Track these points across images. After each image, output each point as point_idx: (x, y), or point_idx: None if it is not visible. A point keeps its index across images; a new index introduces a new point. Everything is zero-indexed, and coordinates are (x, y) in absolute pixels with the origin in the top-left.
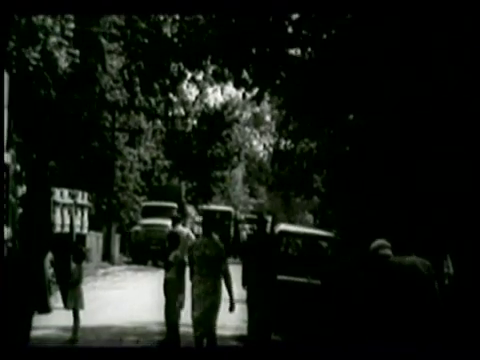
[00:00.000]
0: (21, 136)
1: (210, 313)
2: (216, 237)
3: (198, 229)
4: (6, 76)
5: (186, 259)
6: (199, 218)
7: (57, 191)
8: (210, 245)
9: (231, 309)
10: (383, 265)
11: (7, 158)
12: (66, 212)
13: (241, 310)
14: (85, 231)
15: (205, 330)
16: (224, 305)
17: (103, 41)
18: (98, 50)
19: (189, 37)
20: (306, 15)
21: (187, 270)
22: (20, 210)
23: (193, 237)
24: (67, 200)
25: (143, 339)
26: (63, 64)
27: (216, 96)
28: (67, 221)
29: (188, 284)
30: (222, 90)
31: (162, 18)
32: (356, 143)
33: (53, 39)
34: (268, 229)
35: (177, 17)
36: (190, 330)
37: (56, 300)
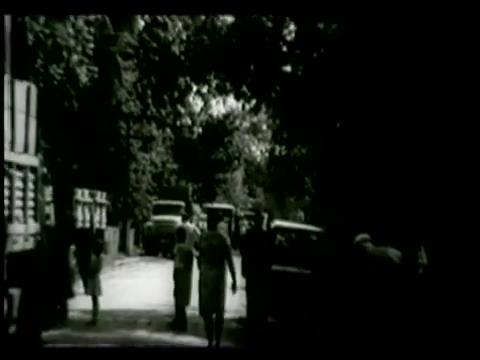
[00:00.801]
0: (47, 142)
1: (217, 294)
2: (223, 230)
3: (203, 225)
4: (34, 89)
5: (193, 250)
6: (204, 215)
7: (79, 191)
8: (216, 237)
9: (234, 289)
10: (362, 255)
11: (35, 162)
12: (87, 209)
13: (241, 296)
14: (103, 226)
15: (213, 308)
16: (227, 293)
17: (119, 59)
18: (115, 67)
19: (195, 55)
20: (299, 34)
21: (194, 260)
22: (47, 208)
23: (199, 232)
24: (87, 199)
25: (154, 321)
26: (84, 79)
27: (219, 107)
28: (87, 217)
29: (195, 272)
30: (224, 102)
31: (171, 38)
32: (341, 149)
33: (75, 57)
34: (264, 225)
35: (184, 37)
36: (196, 312)
37: (78, 287)
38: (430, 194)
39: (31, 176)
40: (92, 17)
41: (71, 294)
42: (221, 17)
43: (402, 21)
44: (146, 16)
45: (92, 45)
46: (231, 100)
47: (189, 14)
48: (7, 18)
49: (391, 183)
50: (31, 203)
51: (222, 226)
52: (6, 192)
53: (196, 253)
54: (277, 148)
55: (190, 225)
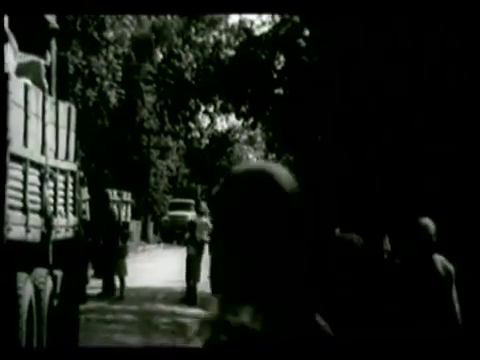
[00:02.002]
0: (84, 151)
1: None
2: None
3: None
4: (73, 109)
5: (205, 238)
6: (209, 210)
7: (109, 191)
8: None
9: None
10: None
11: (74, 167)
12: (115, 206)
13: None
14: (128, 219)
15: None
16: None
17: (141, 84)
18: (138, 91)
19: (203, 81)
20: (287, 64)
21: (204, 247)
22: (83, 205)
23: (210, 224)
24: (116, 197)
25: (170, 296)
26: (113, 101)
27: (222, 123)
28: (116, 212)
29: (204, 257)
30: (227, 119)
31: (184, 67)
32: (319, 156)
33: (106, 83)
34: None
35: (194, 66)
36: (206, 291)
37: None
38: (394, 190)
39: (71, 179)
40: (120, 51)
41: (101, 275)
42: (224, 51)
43: (387, 36)
44: (164, 49)
45: (120, 73)
46: (232, 118)
47: (189, 14)
48: (53, 51)
49: (360, 183)
50: (71, 201)
51: None
52: (51, 192)
53: (206, 239)
54: (269, 156)
55: (204, 219)
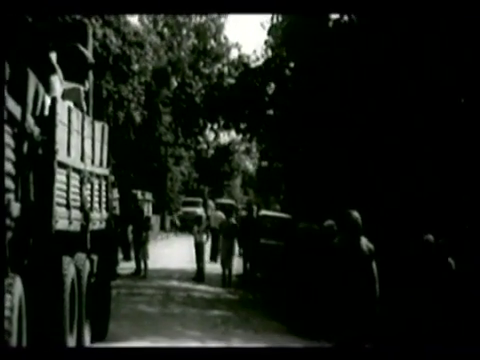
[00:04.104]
0: (115, 159)
1: (229, 258)
2: (232, 218)
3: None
4: (106, 126)
5: (217, 227)
6: (214, 207)
7: (136, 192)
8: (230, 222)
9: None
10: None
11: (107, 172)
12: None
13: (237, 261)
14: (150, 214)
15: (227, 267)
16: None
17: (160, 106)
18: (157, 111)
19: (209, 103)
20: (277, 90)
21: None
22: (114, 202)
23: (223, 216)
24: (140, 197)
25: (183, 275)
26: (138, 120)
27: (225, 137)
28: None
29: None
30: (228, 134)
31: (194, 92)
32: (301, 165)
33: (132, 105)
34: (255, 214)
35: (203, 92)
36: (212, 272)
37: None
38: (378, 188)
39: (104, 181)
40: (143, 80)
41: (129, 258)
42: (226, 80)
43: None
44: (178, 78)
45: (143, 98)
46: (233, 133)
47: (188, 13)
48: (90, 80)
49: (341, 186)
50: (104, 199)
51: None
52: (88, 192)
53: (217, 227)
54: (263, 163)
55: (218, 213)
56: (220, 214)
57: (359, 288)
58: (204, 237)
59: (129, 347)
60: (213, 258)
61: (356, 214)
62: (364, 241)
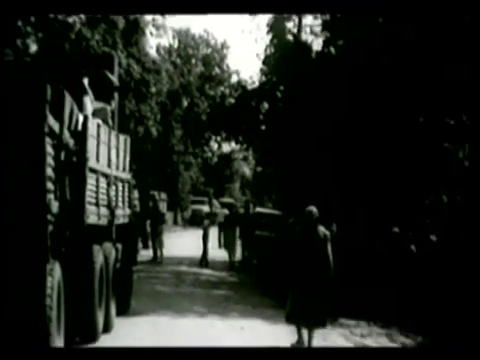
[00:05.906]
0: (136, 166)
1: (233, 246)
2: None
3: (216, 209)
4: (128, 139)
5: (221, 221)
6: (219, 205)
7: (154, 192)
8: (231, 215)
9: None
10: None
11: (129, 176)
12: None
13: (238, 250)
14: (165, 211)
15: (232, 252)
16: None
17: (173, 122)
18: (170, 126)
19: (213, 120)
20: (270, 110)
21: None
22: (135, 201)
23: (227, 212)
24: (157, 196)
25: (191, 261)
26: (154, 133)
27: (226, 147)
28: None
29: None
30: (229, 144)
31: (201, 111)
32: (291, 170)
33: (150, 122)
34: (251, 210)
35: (208, 110)
36: (216, 259)
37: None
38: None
39: (126, 184)
40: (159, 100)
41: (147, 246)
42: (227, 100)
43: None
44: (188, 99)
45: (159, 115)
46: (233, 144)
47: (188, 13)
48: (115, 100)
49: (322, 187)
50: (126, 198)
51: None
52: (114, 192)
53: (221, 219)
54: (258, 168)
55: (223, 210)
56: (225, 211)
57: (317, 265)
58: (211, 229)
59: (129, 347)
60: (220, 245)
61: (312, 208)
62: (321, 229)
